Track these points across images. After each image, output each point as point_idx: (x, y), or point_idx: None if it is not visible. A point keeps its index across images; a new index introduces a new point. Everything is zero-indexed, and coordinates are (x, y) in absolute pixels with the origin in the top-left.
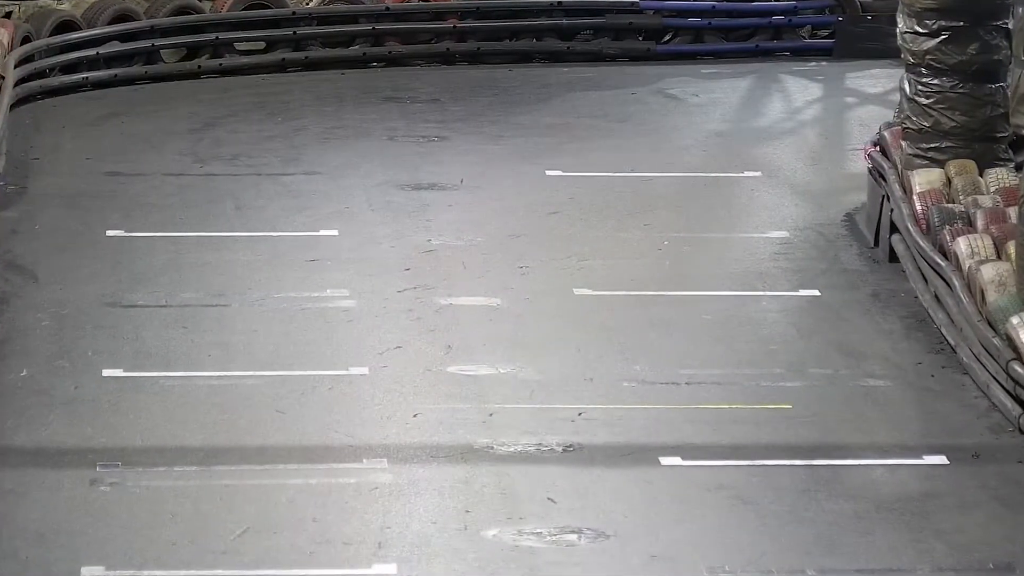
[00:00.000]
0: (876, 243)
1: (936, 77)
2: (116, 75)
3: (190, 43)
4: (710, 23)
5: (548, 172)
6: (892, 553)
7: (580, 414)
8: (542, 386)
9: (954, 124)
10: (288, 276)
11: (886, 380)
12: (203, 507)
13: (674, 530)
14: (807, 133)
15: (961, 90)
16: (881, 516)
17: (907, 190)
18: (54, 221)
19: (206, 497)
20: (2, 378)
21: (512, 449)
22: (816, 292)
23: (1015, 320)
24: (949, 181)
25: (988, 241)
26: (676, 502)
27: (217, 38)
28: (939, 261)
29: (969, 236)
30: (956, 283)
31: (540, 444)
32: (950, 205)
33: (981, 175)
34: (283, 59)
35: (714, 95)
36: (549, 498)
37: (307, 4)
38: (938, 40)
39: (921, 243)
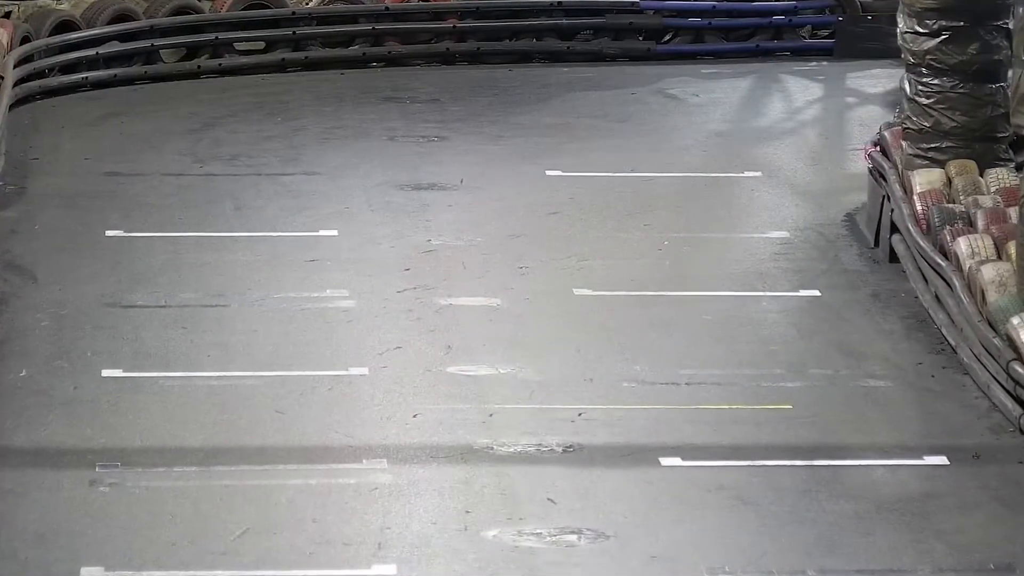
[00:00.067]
0: (876, 243)
1: (936, 77)
2: (115, 75)
3: (189, 43)
4: (710, 23)
5: (548, 172)
6: (892, 554)
7: (580, 414)
8: (542, 386)
9: (954, 124)
10: (288, 276)
11: (886, 380)
12: (203, 508)
13: (674, 531)
14: (807, 133)
15: (961, 90)
16: (881, 516)
17: (907, 190)
18: (53, 221)
19: (206, 498)
20: (1, 378)
21: (512, 449)
22: (816, 292)
23: (1015, 320)
24: (949, 181)
25: (988, 241)
26: (676, 502)
27: (217, 38)
28: (939, 261)
29: (969, 236)
30: (956, 283)
31: (540, 444)
32: (950, 205)
33: (981, 175)
34: (283, 59)
35: (714, 95)
36: (549, 499)
37: (307, 4)
38: (938, 40)
39: (921, 243)
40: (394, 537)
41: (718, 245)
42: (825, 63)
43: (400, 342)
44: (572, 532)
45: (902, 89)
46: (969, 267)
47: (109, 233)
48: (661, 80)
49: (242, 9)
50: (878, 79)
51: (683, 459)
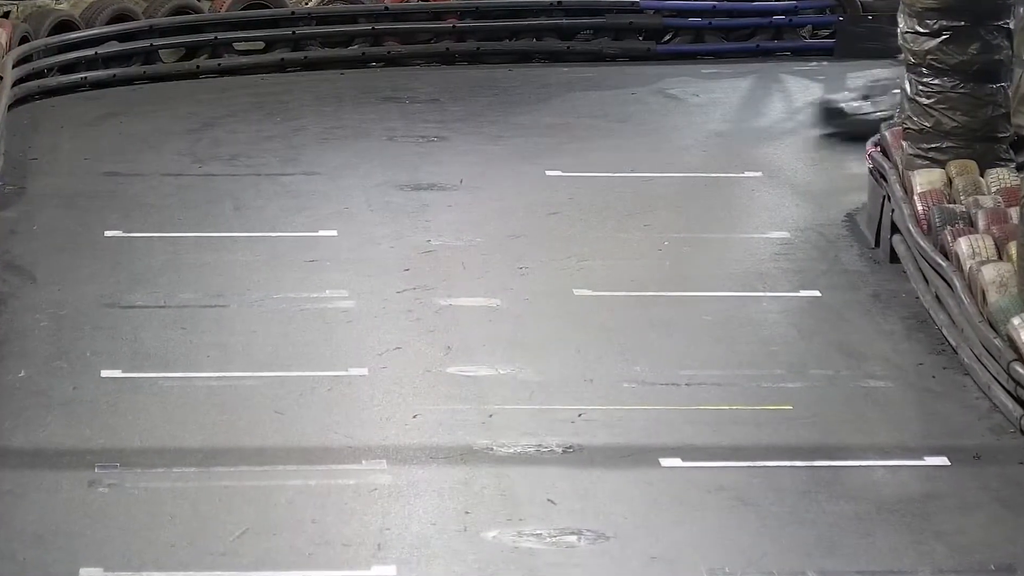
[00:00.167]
0: (877, 244)
1: (937, 77)
2: (115, 75)
3: (189, 43)
4: (710, 23)
5: (548, 172)
6: (893, 554)
7: (580, 415)
8: (542, 387)
9: (955, 124)
10: (287, 277)
11: (887, 381)
12: (202, 508)
13: (674, 531)
14: (807, 133)
15: (962, 90)
16: (882, 517)
17: (908, 190)
18: (52, 221)
19: (205, 498)
20: (0, 379)
21: (512, 450)
22: (817, 293)
23: (1016, 321)
24: (950, 181)
25: (989, 242)
26: (676, 503)
27: (216, 38)
28: (940, 262)
29: (970, 236)
30: (957, 284)
31: (540, 445)
32: (951, 205)
33: (982, 175)
34: (282, 59)
35: (714, 95)
36: (549, 499)
37: (306, 4)
38: (939, 40)
39: (922, 244)
40: (394, 538)
41: (718, 245)
42: (825, 63)
43: (400, 342)
44: (572, 533)
45: (903, 89)
46: (970, 267)
47: (108, 233)
48: (661, 80)
49: (241, 9)
50: (878, 79)
51: (683, 460)
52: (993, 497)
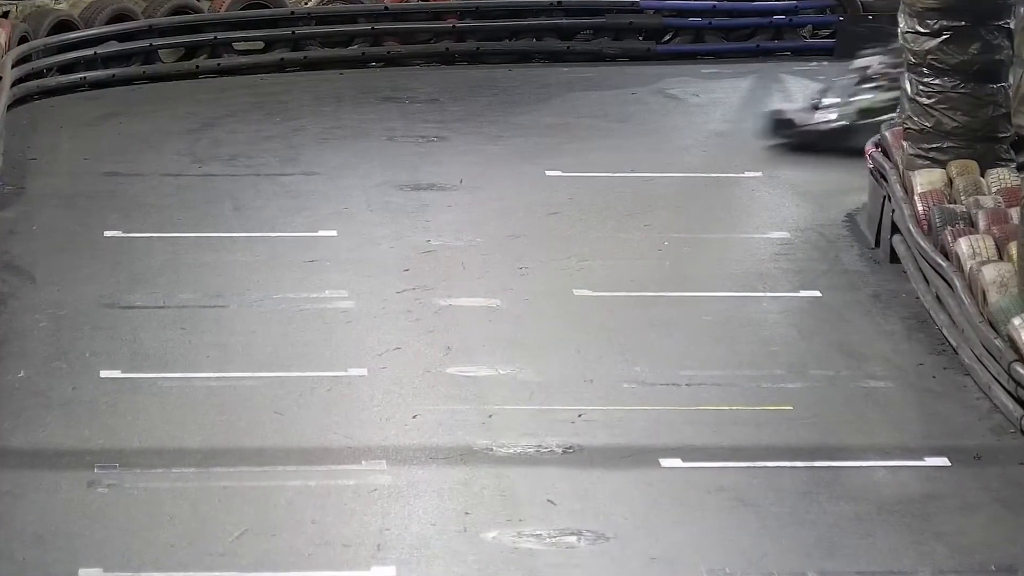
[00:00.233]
0: (877, 244)
1: (938, 77)
2: (114, 75)
3: (188, 43)
4: (710, 23)
5: (548, 172)
6: (893, 555)
7: (580, 415)
8: (542, 387)
9: (956, 124)
10: (287, 277)
11: (887, 381)
12: (201, 509)
13: (674, 532)
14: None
15: (963, 90)
16: (882, 518)
17: (908, 190)
18: (52, 222)
19: (204, 499)
20: (0, 379)
21: (512, 451)
22: (817, 293)
23: (1017, 321)
24: (951, 181)
25: (990, 242)
26: (676, 504)
27: (215, 38)
28: (940, 262)
29: (971, 237)
30: (958, 284)
31: (540, 446)
32: (952, 206)
33: (983, 175)
34: (281, 59)
35: (714, 95)
36: (549, 500)
37: (306, 4)
38: (940, 40)
39: (922, 244)
40: (393, 539)
41: (718, 245)
42: (826, 63)
43: (399, 343)
44: (572, 533)
45: (903, 89)
46: (970, 268)
47: (108, 233)
48: (661, 80)
49: (241, 9)
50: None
51: (683, 460)
52: (993, 498)
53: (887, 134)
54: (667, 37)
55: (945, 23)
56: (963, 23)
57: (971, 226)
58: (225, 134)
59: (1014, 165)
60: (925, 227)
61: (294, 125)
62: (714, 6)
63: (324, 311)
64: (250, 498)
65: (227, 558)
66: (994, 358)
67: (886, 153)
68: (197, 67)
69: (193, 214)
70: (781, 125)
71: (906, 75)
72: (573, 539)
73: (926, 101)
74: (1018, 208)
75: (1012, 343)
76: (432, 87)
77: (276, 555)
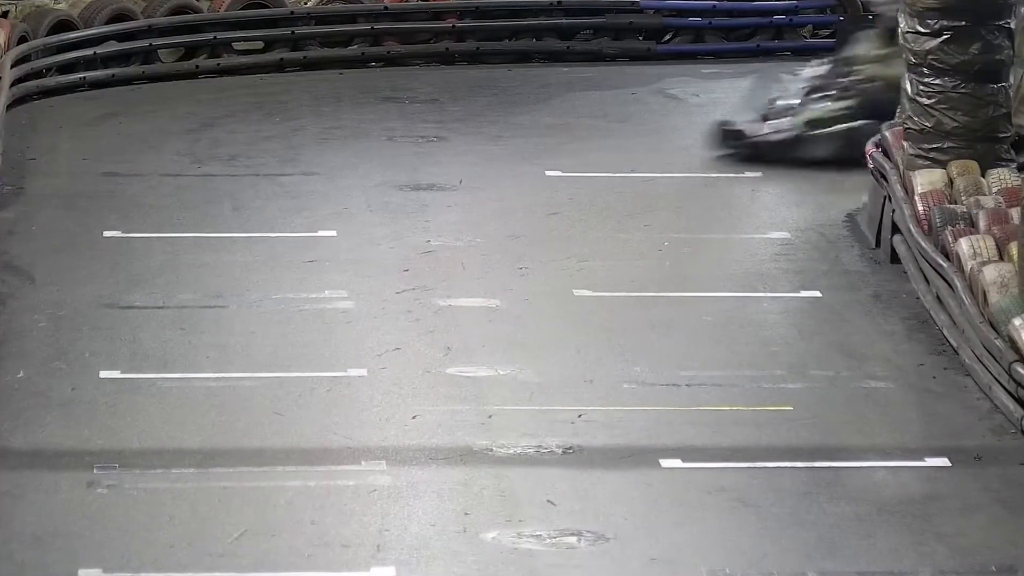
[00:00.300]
0: (878, 244)
1: (938, 77)
2: (113, 75)
3: (188, 43)
4: (710, 23)
5: (548, 172)
6: (893, 556)
7: (580, 416)
8: (542, 388)
9: (956, 124)
10: (286, 277)
11: (887, 382)
12: (201, 509)
13: (674, 532)
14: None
15: (963, 90)
16: (882, 519)
17: (909, 191)
18: (51, 222)
19: (204, 499)
20: None
21: (511, 451)
22: (817, 293)
23: (1017, 321)
24: (951, 182)
25: (990, 242)
26: (676, 504)
27: (215, 38)
28: (941, 262)
29: (971, 237)
30: (958, 284)
31: (540, 446)
32: (952, 206)
33: (983, 176)
34: (281, 59)
35: (715, 95)
36: (549, 500)
37: (305, 4)
38: (940, 40)
39: (923, 244)
40: (393, 539)
41: (718, 246)
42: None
43: (399, 343)
44: (572, 534)
45: (904, 89)
46: (971, 268)
47: (107, 234)
48: (661, 80)
49: (240, 9)
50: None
51: (683, 461)
52: (994, 498)
53: (887, 134)
54: (667, 37)
55: (945, 23)
56: (963, 23)
57: (972, 226)
58: (225, 134)
59: (1015, 165)
60: (925, 227)
61: (293, 125)
62: (714, 6)
63: (324, 311)
64: (250, 499)
65: (227, 559)
66: (995, 358)
67: (886, 153)
68: (197, 67)
69: (192, 214)
70: (730, 136)
71: (906, 75)
72: (573, 540)
73: (926, 101)
74: (1019, 208)
75: (1013, 343)
76: (432, 87)
77: (276, 556)
